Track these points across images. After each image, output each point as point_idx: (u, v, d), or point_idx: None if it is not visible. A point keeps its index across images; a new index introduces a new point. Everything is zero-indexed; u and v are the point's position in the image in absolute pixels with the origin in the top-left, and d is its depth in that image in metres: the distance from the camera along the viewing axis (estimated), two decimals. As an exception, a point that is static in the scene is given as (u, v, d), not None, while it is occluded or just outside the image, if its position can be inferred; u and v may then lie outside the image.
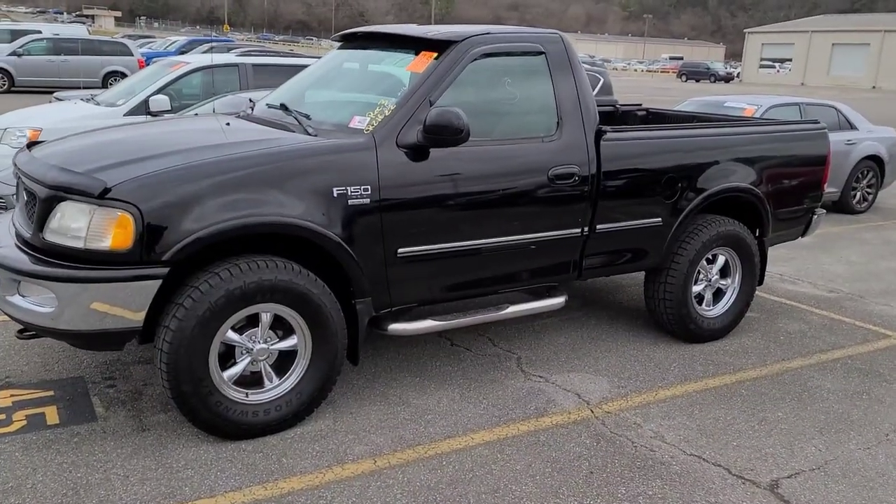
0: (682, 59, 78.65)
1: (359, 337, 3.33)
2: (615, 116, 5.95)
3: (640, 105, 6.18)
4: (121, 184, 2.88)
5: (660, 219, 4.17)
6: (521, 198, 3.65)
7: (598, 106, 5.99)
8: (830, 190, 8.72)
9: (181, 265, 2.96)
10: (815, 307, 5.34)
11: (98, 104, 7.88)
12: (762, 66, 66.36)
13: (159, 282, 2.88)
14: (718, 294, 4.65)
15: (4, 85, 19.13)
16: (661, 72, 73.42)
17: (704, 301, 4.58)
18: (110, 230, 2.84)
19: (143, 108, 7.36)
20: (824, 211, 5.04)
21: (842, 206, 8.98)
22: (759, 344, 4.58)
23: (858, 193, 9.02)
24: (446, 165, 3.44)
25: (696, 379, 4.01)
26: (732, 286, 4.64)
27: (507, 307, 3.77)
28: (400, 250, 3.36)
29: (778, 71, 64.82)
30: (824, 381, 4.05)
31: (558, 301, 3.96)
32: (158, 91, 7.60)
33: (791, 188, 4.77)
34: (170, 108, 7.11)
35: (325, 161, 3.17)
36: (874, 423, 3.60)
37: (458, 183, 3.48)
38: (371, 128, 3.36)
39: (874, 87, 53.70)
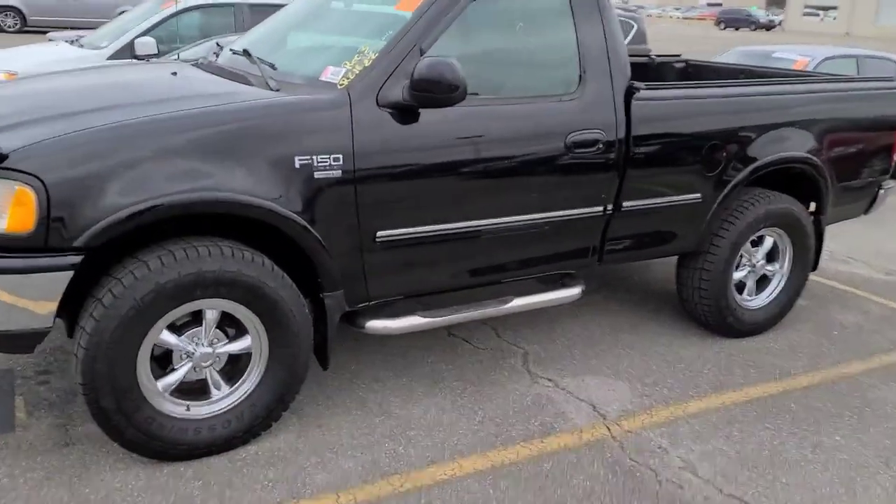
0: (720, 5, 75.20)
1: (328, 337, 2.76)
2: (650, 69, 5.19)
3: (679, 56, 5.40)
4: (20, 149, 2.28)
5: (699, 194, 3.49)
6: (530, 170, 2.99)
7: (630, 57, 5.32)
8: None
9: (101, 252, 2.39)
10: (871, 293, 4.65)
11: (82, 46, 7.26)
12: (805, 14, 63.15)
13: (70, 273, 2.31)
14: (763, 281, 3.98)
15: (17, 24, 18.54)
16: (699, 19, 70.31)
17: (746, 289, 3.92)
18: (6, 208, 2.26)
19: (128, 52, 6.74)
20: (894, 183, 4.31)
21: (897, 172, 8.13)
22: (809, 341, 3.93)
23: (916, 157, 8.16)
24: (439, 130, 2.79)
25: (735, 387, 3.39)
26: (780, 273, 3.97)
27: (512, 300, 3.15)
28: (380, 234, 2.75)
29: (822, 19, 61.70)
30: (889, 393, 3.41)
31: (573, 292, 3.33)
32: (146, 32, 6.96)
33: (856, 157, 4.03)
34: (156, 52, 6.48)
35: (285, 123, 2.53)
36: (953, 453, 2.98)
37: (454, 151, 2.82)
38: (346, 81, 2.70)
39: (924, 38, 50.80)
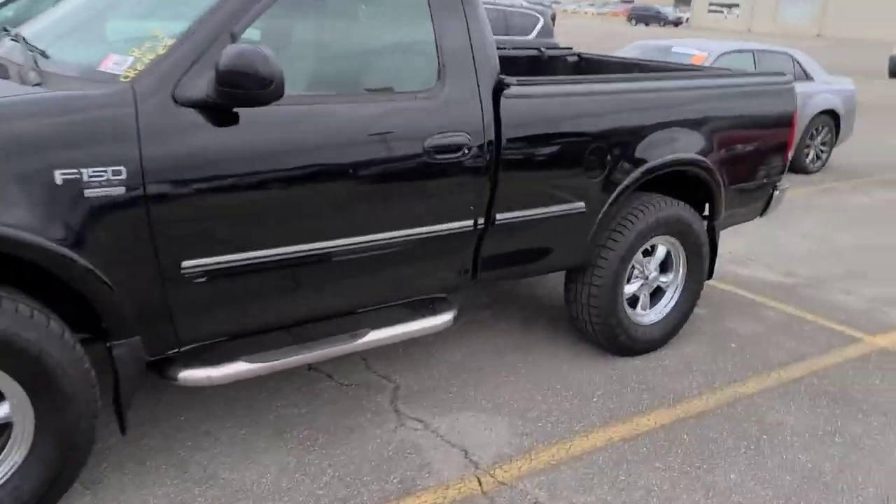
0: (632, 1, 77.20)
1: (121, 395, 2.22)
2: (541, 64, 4.84)
3: (572, 49, 5.08)
4: None
5: (583, 203, 3.13)
6: (382, 181, 2.54)
7: (519, 49, 4.96)
8: (783, 148, 7.87)
9: None
10: (770, 298, 4.45)
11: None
12: (711, 11, 65.57)
13: None
14: (657, 294, 3.68)
15: None
16: (612, 15, 71.92)
17: (640, 303, 3.61)
18: None
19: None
20: (788, 185, 4.10)
21: (794, 166, 8.15)
22: (704, 356, 3.65)
23: (812, 152, 8.20)
24: (265, 134, 2.29)
25: (626, 416, 3.05)
26: (675, 283, 3.67)
27: (367, 333, 2.69)
28: (186, 264, 2.23)
29: (725, 16, 64.21)
30: (787, 416, 3.15)
31: (444, 319, 2.90)
32: None
33: (749, 157, 3.77)
34: None
35: (38, 128, 1.97)
36: (854, 487, 2.71)
37: (283, 160, 2.33)
38: (132, 73, 2.16)
39: (818, 35, 53.65)
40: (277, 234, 2.38)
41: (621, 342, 3.48)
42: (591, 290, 3.35)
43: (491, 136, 2.76)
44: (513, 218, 2.93)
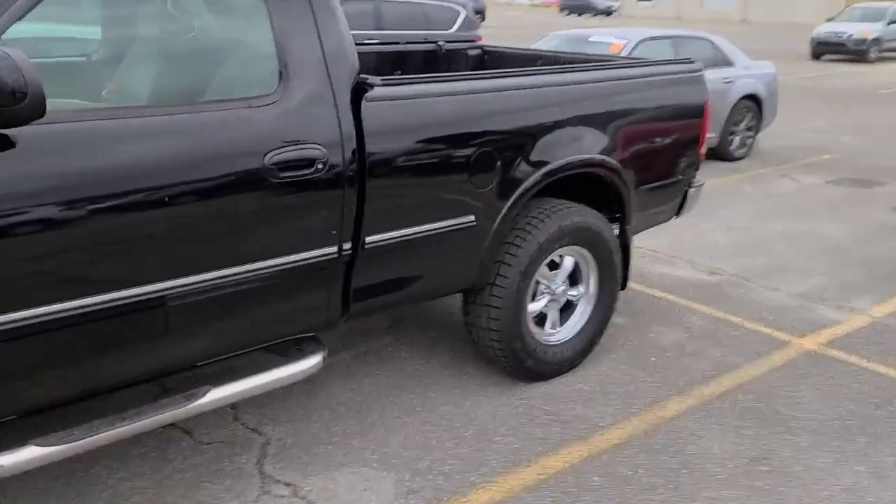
0: (563, -8, 77.81)
1: None
2: (438, 58, 4.45)
3: (475, 41, 4.70)
4: None
5: (472, 216, 2.74)
6: (209, 208, 2.08)
7: (413, 43, 4.55)
8: (709, 135, 7.69)
9: None
10: (694, 301, 4.17)
11: None
12: (640, 0, 66.62)
13: None
14: (568, 309, 3.34)
15: None
16: (545, 6, 72.27)
17: (549, 321, 3.26)
18: None
19: None
20: (703, 182, 3.81)
21: (720, 153, 7.99)
22: (623, 374, 3.32)
23: (737, 138, 8.05)
24: (49, 158, 1.83)
25: (531, 458, 2.67)
26: (586, 297, 3.33)
27: (207, 392, 2.23)
28: (-57, 332, 1.76)
29: (654, 5, 65.28)
30: (710, 442, 2.83)
31: (308, 365, 2.46)
32: None
33: (660, 153, 3.46)
34: None
35: None
36: (783, 526, 2.41)
37: (80, 188, 1.86)
38: None
39: (744, 20, 55.02)
40: (81, 279, 1.91)
41: (529, 367, 3.12)
42: (490, 313, 2.97)
43: (352, 146, 2.34)
44: (387, 240, 2.52)
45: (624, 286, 3.48)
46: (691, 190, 3.65)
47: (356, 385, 3.13)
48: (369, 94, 2.40)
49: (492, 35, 26.54)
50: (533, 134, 2.84)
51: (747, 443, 2.81)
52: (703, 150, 3.60)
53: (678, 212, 3.74)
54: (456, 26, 11.99)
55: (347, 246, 2.42)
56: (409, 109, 2.50)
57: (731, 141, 7.95)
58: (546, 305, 3.20)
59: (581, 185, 3.26)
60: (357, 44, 4.20)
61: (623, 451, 2.74)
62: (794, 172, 7.51)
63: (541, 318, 3.23)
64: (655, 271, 4.63)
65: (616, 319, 3.84)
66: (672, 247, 5.11)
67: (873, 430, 2.91)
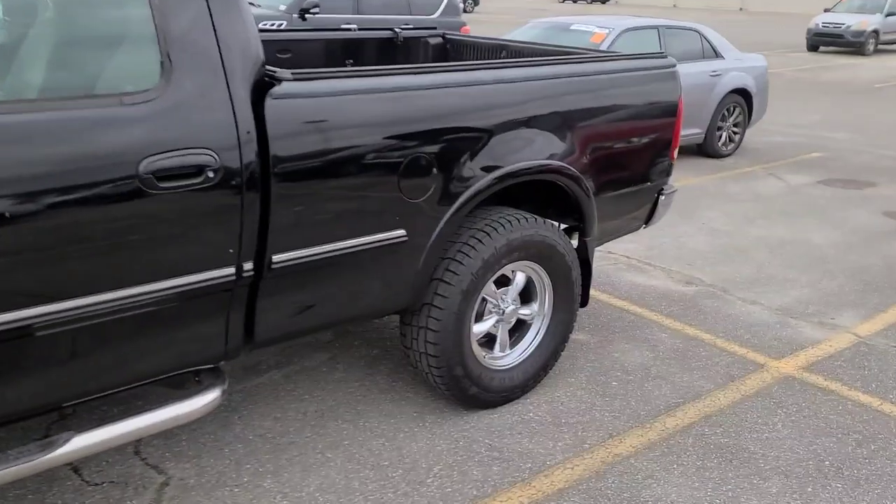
0: (560, -21, 76.85)
1: None
2: (395, 48, 4.10)
3: (435, 29, 4.34)
4: None
5: (402, 231, 2.42)
6: (70, 225, 1.75)
7: (368, 30, 4.20)
8: (694, 132, 7.37)
9: None
10: (665, 315, 3.86)
11: None
12: (638, -12, 65.84)
13: None
14: (520, 329, 3.03)
15: None
16: (541, -8, 71.40)
17: (498, 343, 2.95)
18: None
19: None
20: (676, 188, 3.48)
21: (706, 150, 7.67)
22: (579, 402, 3.01)
23: (724, 134, 7.71)
24: None
25: (463, 505, 2.39)
26: (540, 316, 3.02)
27: (71, 439, 1.92)
28: None
29: (653, -8, 64.55)
30: (668, 487, 2.53)
31: (202, 403, 2.15)
32: None
33: (627, 157, 3.13)
34: None
35: None
36: None
37: None
38: None
39: (741, 9, 54.47)
40: None
41: (473, 395, 2.81)
42: (428, 336, 2.65)
43: (252, 151, 2.01)
44: (298, 259, 2.19)
45: (584, 303, 3.17)
46: (662, 197, 3.33)
47: (280, 411, 2.82)
48: (276, 89, 2.06)
49: (484, 21, 26.08)
50: (477, 137, 2.51)
51: (710, 488, 2.51)
52: (675, 153, 3.27)
53: (647, 220, 3.43)
54: (439, 12, 11.61)
55: (248, 266, 2.09)
56: (325, 108, 2.16)
57: (718, 137, 7.62)
58: (494, 326, 2.89)
59: (536, 192, 2.94)
60: (305, 31, 3.88)
61: (570, 497, 2.43)
62: (783, 171, 7.20)
63: (489, 339, 2.92)
64: (626, 280, 4.32)
65: (578, 336, 3.54)
66: (647, 252, 4.80)
67: (851, 472, 2.61)
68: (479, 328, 2.81)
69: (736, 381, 3.22)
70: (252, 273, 2.10)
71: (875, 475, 2.60)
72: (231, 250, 2.04)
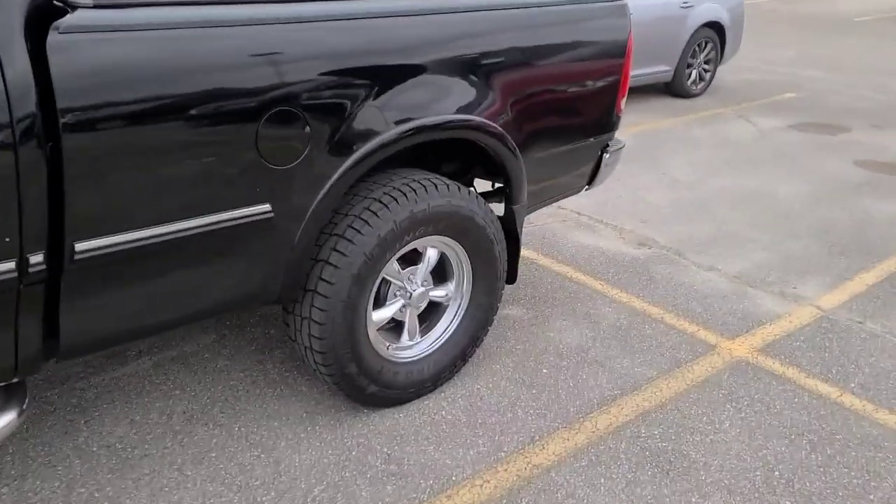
0: None
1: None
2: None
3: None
4: None
5: (267, 205, 1.92)
6: None
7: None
8: (661, 69, 6.83)
9: None
10: (612, 284, 3.45)
11: None
12: None
13: None
14: (433, 313, 2.59)
15: None
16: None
17: (406, 331, 2.51)
18: None
19: None
20: (623, 143, 3.00)
21: (674, 89, 7.15)
22: (501, 396, 2.60)
23: (694, 72, 7.19)
24: None
25: (343, 540, 1.99)
26: (458, 298, 2.58)
27: None
28: None
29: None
30: (594, 498, 2.17)
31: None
32: None
33: (563, 109, 2.62)
34: None
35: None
36: None
37: None
38: None
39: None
40: None
41: (371, 394, 2.39)
42: (312, 329, 2.19)
43: (29, 106, 1.48)
44: (113, 247, 1.69)
45: (512, 280, 2.73)
46: (607, 155, 2.85)
47: (140, 413, 2.37)
48: (63, 21, 1.51)
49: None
50: (365, 86, 1.99)
51: (641, 507, 2.15)
52: (623, 103, 2.77)
53: (591, 181, 2.96)
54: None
55: (37, 259, 1.58)
56: (142, 45, 1.62)
57: (688, 75, 7.10)
58: (400, 311, 2.44)
59: (457, 149, 2.44)
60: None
61: (473, 525, 2.05)
62: (754, 114, 6.73)
63: (395, 329, 2.48)
64: (573, 241, 3.88)
65: (510, 310, 3.12)
66: (600, 208, 4.35)
67: (803, 486, 2.26)
68: (380, 315, 2.35)
69: (682, 366, 2.83)
70: (44, 268, 1.60)
71: (829, 489, 2.25)
72: (7, 239, 1.53)
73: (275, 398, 2.49)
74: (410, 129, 2.09)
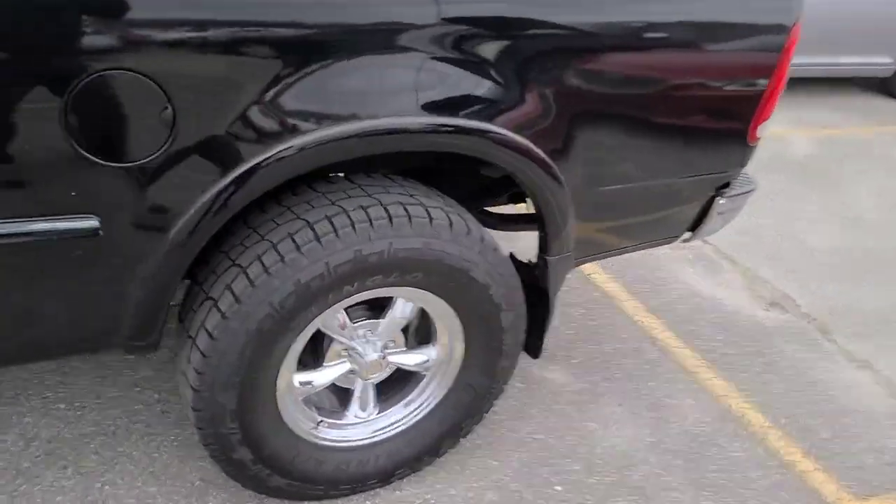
0: None
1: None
2: None
3: None
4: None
5: (93, 220, 1.23)
6: None
7: None
8: (881, 60, 5.32)
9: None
10: (710, 363, 2.45)
11: None
12: None
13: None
14: (402, 380, 1.81)
15: None
16: None
17: (356, 402, 1.74)
18: None
19: None
20: (755, 185, 1.95)
21: (891, 87, 5.60)
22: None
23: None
24: None
25: None
26: (441, 370, 1.76)
27: None
28: None
29: None
30: None
31: None
32: None
33: (647, 127, 1.67)
34: None
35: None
36: None
37: None
38: None
39: None
40: None
41: (275, 488, 1.69)
42: (186, 394, 1.49)
43: None
44: None
45: (535, 353, 1.87)
46: (722, 201, 1.85)
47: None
48: None
49: None
50: (277, 53, 1.20)
51: None
52: (761, 129, 1.75)
53: (694, 229, 1.98)
54: None
55: None
56: None
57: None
58: (347, 377, 1.70)
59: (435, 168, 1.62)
60: None
61: None
62: None
63: (343, 398, 1.74)
64: (679, 281, 2.88)
65: (549, 372, 2.27)
66: (734, 238, 3.23)
67: None
68: (307, 379, 1.63)
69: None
70: None
71: None
72: None
73: (169, 448, 1.86)
74: (369, 130, 1.29)
